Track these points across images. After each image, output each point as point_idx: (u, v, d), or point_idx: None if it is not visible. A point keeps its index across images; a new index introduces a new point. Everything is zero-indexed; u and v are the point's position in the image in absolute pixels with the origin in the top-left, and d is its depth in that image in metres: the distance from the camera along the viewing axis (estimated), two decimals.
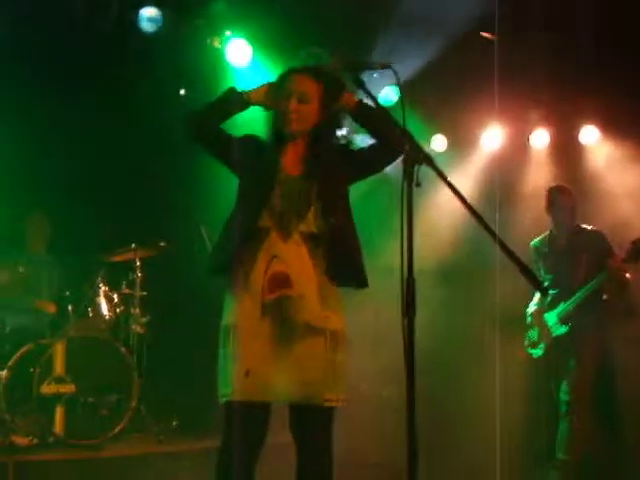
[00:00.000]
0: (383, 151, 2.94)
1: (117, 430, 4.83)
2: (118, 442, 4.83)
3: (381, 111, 2.85)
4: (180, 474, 4.50)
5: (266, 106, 2.99)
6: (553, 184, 5.28)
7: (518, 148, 6.60)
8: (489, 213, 4.82)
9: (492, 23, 5.23)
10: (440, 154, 6.52)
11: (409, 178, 2.38)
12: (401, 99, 2.58)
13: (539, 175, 6.49)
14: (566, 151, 6.50)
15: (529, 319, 5.19)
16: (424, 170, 2.39)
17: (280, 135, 2.95)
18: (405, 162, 2.40)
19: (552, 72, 5.62)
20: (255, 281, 2.78)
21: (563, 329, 4.90)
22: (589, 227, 5.06)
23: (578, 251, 4.93)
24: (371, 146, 2.99)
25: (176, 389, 5.61)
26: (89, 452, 4.58)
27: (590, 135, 6.46)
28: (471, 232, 5.55)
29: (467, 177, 6.52)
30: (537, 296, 5.18)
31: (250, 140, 2.99)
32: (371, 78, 5.21)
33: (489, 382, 5.22)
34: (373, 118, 2.94)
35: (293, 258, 2.80)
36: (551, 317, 4.98)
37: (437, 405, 5.50)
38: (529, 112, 6.50)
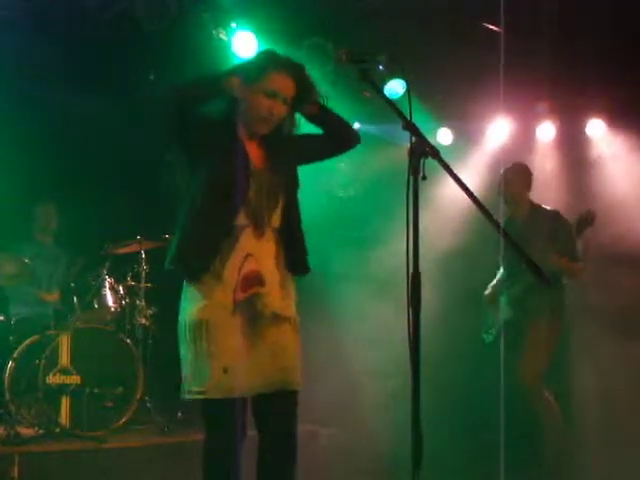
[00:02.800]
0: (334, 144, 3.05)
1: (122, 421, 4.85)
2: (123, 433, 4.86)
3: (331, 112, 2.98)
4: (185, 465, 4.51)
5: (238, 97, 2.85)
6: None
7: (524, 141, 6.59)
8: (495, 206, 4.81)
9: (497, 15, 5.21)
10: (446, 147, 6.51)
11: (415, 171, 2.37)
12: (407, 92, 2.57)
13: (545, 168, 6.47)
14: (572, 144, 6.48)
15: (484, 301, 4.99)
16: (430, 163, 2.39)
17: (249, 131, 2.89)
18: (411, 155, 2.39)
19: (558, 65, 5.60)
20: (228, 278, 2.77)
21: (510, 313, 4.73)
22: (547, 207, 4.89)
23: (534, 232, 4.70)
24: (322, 137, 3.02)
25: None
26: (94, 443, 4.59)
27: (596, 128, 6.44)
28: (477, 225, 5.54)
29: (473, 170, 6.51)
30: (497, 277, 5.00)
31: (222, 126, 2.86)
32: (377, 70, 5.19)
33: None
34: (329, 119, 3.00)
35: (265, 255, 2.84)
36: (504, 300, 4.81)
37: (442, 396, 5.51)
38: (535, 105, 6.47)
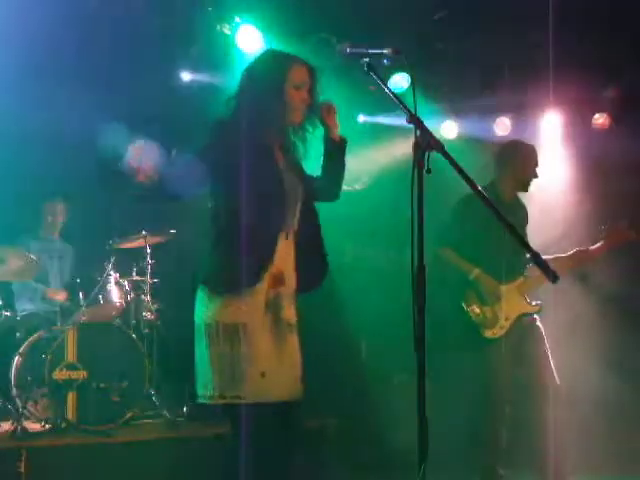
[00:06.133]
0: (323, 193, 3.01)
1: (128, 416, 4.87)
2: (129, 428, 4.87)
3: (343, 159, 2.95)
4: (191, 459, 4.52)
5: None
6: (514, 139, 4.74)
7: (530, 134, 6.56)
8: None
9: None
10: (450, 141, 6.48)
11: (420, 164, 2.36)
12: (412, 85, 2.55)
13: (550, 161, 6.44)
14: (578, 136, 6.46)
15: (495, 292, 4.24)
16: (435, 157, 2.38)
17: (288, 128, 2.89)
18: (416, 148, 2.38)
19: (564, 57, 5.58)
20: (262, 279, 2.77)
21: (535, 308, 4.31)
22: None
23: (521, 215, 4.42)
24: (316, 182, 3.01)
25: (186, 375, 5.61)
26: (101, 437, 4.61)
27: (603, 121, 6.43)
28: None
29: (478, 163, 6.48)
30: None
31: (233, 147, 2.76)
32: (381, 64, 5.18)
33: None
34: (340, 162, 2.96)
35: (287, 255, 2.84)
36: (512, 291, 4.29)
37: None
38: (540, 97, 6.45)
